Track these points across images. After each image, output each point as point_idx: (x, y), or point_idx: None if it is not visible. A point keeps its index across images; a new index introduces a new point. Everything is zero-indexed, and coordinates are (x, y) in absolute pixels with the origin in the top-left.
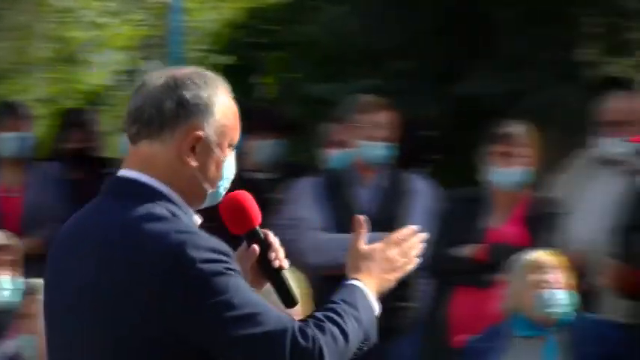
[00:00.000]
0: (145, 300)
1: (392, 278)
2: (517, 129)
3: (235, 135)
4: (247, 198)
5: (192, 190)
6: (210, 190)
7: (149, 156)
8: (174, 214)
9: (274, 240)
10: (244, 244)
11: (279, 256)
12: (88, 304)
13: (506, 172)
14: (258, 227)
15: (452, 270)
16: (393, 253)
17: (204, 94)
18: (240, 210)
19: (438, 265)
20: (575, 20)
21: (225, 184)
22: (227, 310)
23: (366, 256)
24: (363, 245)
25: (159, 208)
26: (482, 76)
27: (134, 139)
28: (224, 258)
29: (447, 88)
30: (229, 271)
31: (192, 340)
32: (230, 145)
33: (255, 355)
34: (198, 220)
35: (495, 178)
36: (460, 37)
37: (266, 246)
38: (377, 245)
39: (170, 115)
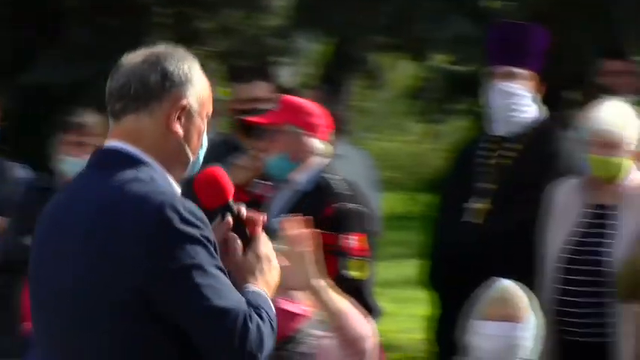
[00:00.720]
0: (123, 262)
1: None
2: (88, 118)
3: (210, 106)
4: (222, 173)
5: (178, 158)
6: (192, 159)
7: (135, 129)
8: (154, 180)
9: (247, 213)
10: (218, 218)
11: (255, 228)
12: (75, 275)
13: (77, 161)
14: (231, 201)
15: (23, 260)
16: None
17: (184, 66)
18: (216, 184)
19: (9, 255)
20: (146, 10)
21: (202, 153)
22: (194, 277)
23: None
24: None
25: (141, 174)
26: (50, 65)
27: (119, 115)
28: (201, 224)
29: (15, 78)
30: (204, 239)
31: (156, 301)
32: (207, 116)
33: (208, 326)
34: (178, 190)
35: (66, 167)
36: (28, 27)
37: (240, 219)
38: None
39: (156, 87)
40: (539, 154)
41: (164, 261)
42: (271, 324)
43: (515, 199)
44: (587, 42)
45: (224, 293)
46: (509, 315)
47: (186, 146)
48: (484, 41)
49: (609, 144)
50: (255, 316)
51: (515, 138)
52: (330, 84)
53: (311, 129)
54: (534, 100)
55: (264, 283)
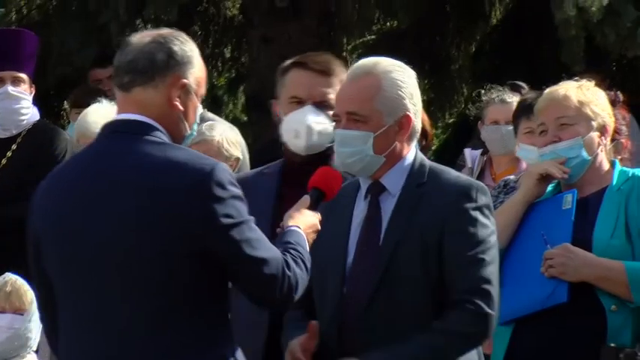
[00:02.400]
0: (175, 220)
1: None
2: None
3: (204, 86)
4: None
5: (177, 130)
6: (188, 131)
7: (142, 100)
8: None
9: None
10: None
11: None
12: (128, 229)
13: None
14: (323, 191)
15: None
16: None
17: (187, 48)
18: (336, 179)
19: None
20: None
21: (196, 128)
22: (244, 231)
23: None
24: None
25: (166, 139)
26: None
27: (127, 87)
28: (238, 185)
29: None
30: (244, 198)
31: (210, 251)
32: (201, 95)
33: (254, 273)
34: None
35: None
36: None
37: (317, 205)
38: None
39: (162, 65)
40: (33, 154)
41: (219, 217)
42: (304, 264)
43: (14, 198)
44: (78, 47)
45: (265, 245)
46: (14, 307)
47: (184, 120)
48: None
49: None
50: (292, 262)
51: (12, 139)
52: None
53: None
54: (31, 103)
55: (303, 225)
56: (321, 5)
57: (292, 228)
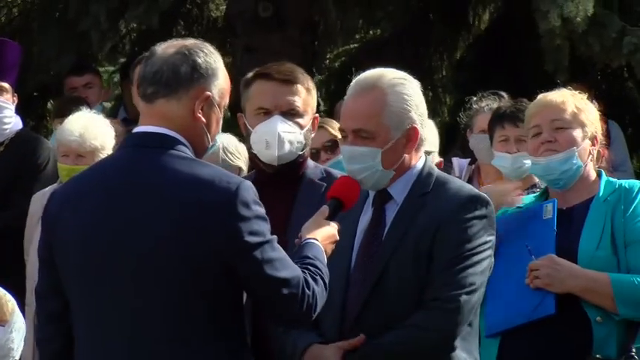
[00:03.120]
0: (199, 236)
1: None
2: None
3: (228, 98)
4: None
5: (200, 142)
6: (210, 143)
7: (166, 112)
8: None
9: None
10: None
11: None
12: (157, 240)
13: None
14: (341, 201)
15: None
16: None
17: (211, 60)
18: (354, 188)
19: None
20: None
21: (217, 140)
22: (267, 251)
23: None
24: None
25: (190, 152)
26: None
27: (151, 98)
28: (261, 204)
29: None
30: (267, 216)
31: (238, 271)
32: (224, 106)
33: (274, 292)
34: None
35: None
36: None
37: (335, 215)
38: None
39: (186, 77)
40: (16, 163)
41: (243, 236)
42: (323, 280)
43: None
44: (56, 54)
45: (287, 264)
46: None
47: (207, 132)
48: None
49: (69, 152)
50: (311, 280)
51: None
52: None
53: None
54: (14, 112)
55: (321, 237)
56: (304, 15)
57: (310, 241)
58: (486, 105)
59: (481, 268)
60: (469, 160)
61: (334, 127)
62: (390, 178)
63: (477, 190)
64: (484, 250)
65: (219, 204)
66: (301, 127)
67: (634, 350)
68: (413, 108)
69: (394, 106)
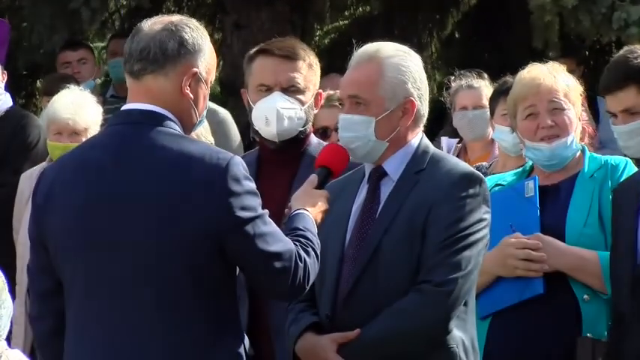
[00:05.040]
0: (191, 213)
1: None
2: None
3: (214, 73)
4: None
5: (189, 117)
6: (198, 119)
7: (153, 88)
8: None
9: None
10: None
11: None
12: (147, 222)
13: None
14: (330, 169)
15: None
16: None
17: (198, 36)
18: (342, 155)
19: None
20: None
21: (204, 116)
22: (259, 225)
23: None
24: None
25: (178, 129)
26: None
27: (138, 75)
28: (252, 178)
29: None
30: (257, 191)
31: (226, 244)
32: (210, 82)
33: (268, 266)
34: None
35: None
36: None
37: (324, 183)
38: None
39: (173, 53)
40: (6, 141)
41: (234, 212)
42: (315, 251)
43: None
44: (48, 33)
45: (278, 238)
46: None
47: (195, 108)
48: None
49: (63, 130)
50: (303, 252)
51: None
52: None
53: None
54: (4, 89)
55: (311, 207)
56: None
57: (300, 211)
58: (465, 82)
59: (477, 250)
60: (458, 139)
61: None
62: (384, 150)
63: (471, 168)
64: (479, 230)
65: (209, 180)
66: (302, 103)
67: None
68: (410, 81)
69: (390, 76)
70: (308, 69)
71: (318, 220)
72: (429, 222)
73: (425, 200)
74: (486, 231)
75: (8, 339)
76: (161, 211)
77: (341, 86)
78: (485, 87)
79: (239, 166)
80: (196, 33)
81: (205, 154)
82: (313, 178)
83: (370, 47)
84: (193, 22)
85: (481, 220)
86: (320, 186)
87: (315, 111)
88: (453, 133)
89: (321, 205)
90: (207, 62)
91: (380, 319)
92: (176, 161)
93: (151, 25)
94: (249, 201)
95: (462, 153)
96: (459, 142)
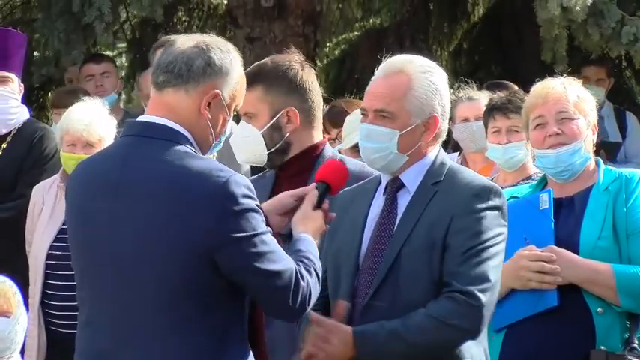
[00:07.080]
0: (188, 230)
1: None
2: None
3: (241, 101)
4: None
5: (204, 138)
6: (214, 142)
7: (172, 102)
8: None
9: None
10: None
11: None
12: (140, 237)
13: None
14: (329, 186)
15: None
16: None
17: (226, 60)
18: (343, 173)
19: None
20: None
21: (223, 140)
22: (256, 244)
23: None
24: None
25: (189, 149)
26: None
27: (161, 87)
28: (254, 195)
29: None
30: (258, 208)
31: (221, 263)
32: (235, 108)
33: (266, 285)
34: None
35: None
36: None
37: (323, 199)
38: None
39: (198, 71)
40: (23, 153)
41: (230, 230)
42: (317, 272)
43: (3, 199)
44: (64, 48)
45: (278, 256)
46: (1, 309)
47: (212, 130)
48: None
49: (77, 142)
50: (305, 272)
51: (2, 138)
52: None
53: None
54: (20, 102)
55: (312, 230)
56: (305, 5)
57: (302, 235)
58: (464, 94)
59: (497, 262)
60: (458, 152)
61: None
62: (402, 164)
63: (489, 181)
64: (498, 243)
65: (205, 199)
66: (260, 127)
67: (636, 342)
68: (437, 97)
69: (418, 91)
70: (265, 90)
71: (317, 242)
72: (451, 233)
73: (445, 211)
74: (503, 245)
75: (22, 352)
76: (156, 230)
77: (367, 96)
78: (484, 99)
79: (239, 183)
80: (226, 56)
81: (205, 171)
82: (313, 195)
83: (401, 58)
84: (227, 45)
85: (500, 234)
86: (319, 201)
87: (290, 126)
88: (446, 145)
89: (320, 227)
90: (232, 87)
91: (407, 320)
92: (177, 177)
93: (184, 41)
94: (247, 219)
95: (462, 165)
96: (459, 155)
